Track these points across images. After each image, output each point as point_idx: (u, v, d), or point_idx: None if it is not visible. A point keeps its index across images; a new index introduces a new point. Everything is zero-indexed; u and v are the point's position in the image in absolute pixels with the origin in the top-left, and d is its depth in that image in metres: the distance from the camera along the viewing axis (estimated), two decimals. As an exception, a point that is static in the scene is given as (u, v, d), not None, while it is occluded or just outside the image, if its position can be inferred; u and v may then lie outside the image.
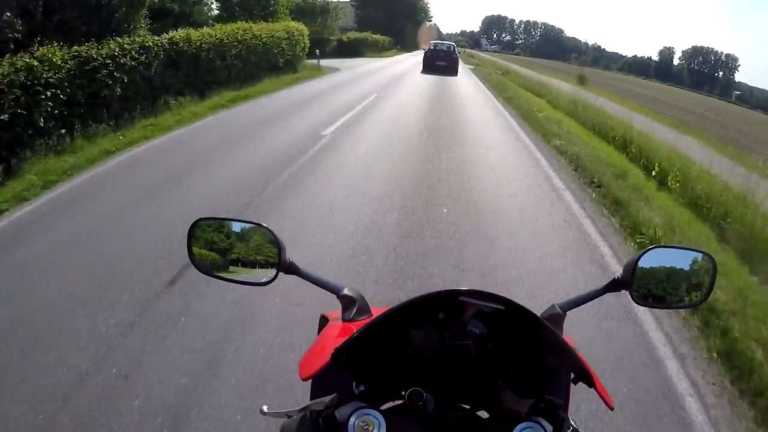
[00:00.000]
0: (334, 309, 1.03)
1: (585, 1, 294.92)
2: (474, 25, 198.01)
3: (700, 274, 0.99)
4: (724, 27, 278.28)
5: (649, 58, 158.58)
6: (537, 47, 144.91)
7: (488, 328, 0.80)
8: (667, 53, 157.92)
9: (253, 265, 1.00)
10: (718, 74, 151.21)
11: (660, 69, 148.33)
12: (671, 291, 0.98)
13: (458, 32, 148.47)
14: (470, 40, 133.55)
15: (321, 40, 24.67)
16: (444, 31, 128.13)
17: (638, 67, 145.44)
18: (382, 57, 31.93)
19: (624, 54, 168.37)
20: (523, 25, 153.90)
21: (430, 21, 65.24)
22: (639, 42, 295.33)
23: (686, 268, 0.98)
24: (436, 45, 23.94)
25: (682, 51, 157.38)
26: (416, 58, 29.62)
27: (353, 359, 0.76)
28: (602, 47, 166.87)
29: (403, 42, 48.54)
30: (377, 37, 36.24)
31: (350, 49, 29.03)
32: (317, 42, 23.10)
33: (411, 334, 0.81)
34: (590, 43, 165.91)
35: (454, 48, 23.81)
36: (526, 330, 0.78)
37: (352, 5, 47.15)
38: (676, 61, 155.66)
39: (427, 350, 0.81)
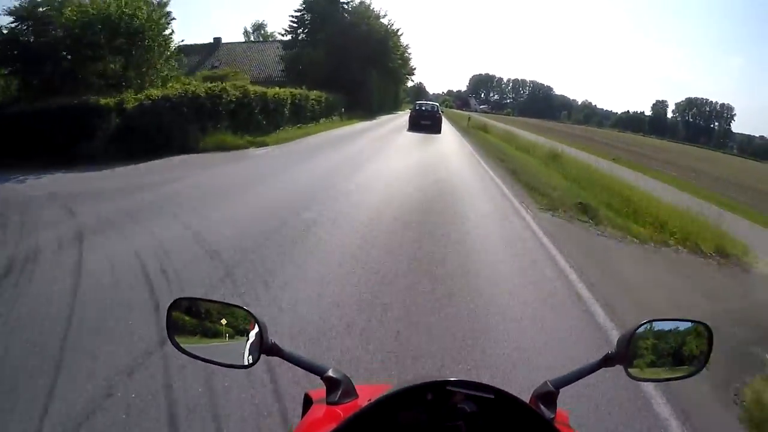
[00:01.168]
0: (318, 387, 0.99)
1: (573, 58, 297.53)
2: (461, 85, 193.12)
3: (694, 343, 0.96)
4: (706, 75, 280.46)
5: (642, 113, 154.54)
6: (526, 106, 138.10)
7: (479, 407, 0.79)
8: (660, 107, 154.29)
9: (234, 346, 0.96)
10: (714, 125, 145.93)
11: (654, 123, 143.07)
12: (667, 362, 0.95)
13: (445, 92, 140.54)
14: (458, 100, 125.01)
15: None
16: (430, 90, 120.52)
17: (632, 122, 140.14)
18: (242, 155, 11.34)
19: (613, 110, 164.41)
20: (511, 84, 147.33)
21: (413, 74, 46.29)
22: (630, 97, 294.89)
23: (681, 338, 0.95)
24: (421, 105, 23.90)
25: (675, 104, 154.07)
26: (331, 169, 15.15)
27: None
28: (593, 104, 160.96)
29: (363, 101, 29.03)
30: (281, 92, 15.83)
31: (153, 133, 10.00)
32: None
33: (399, 416, 0.80)
34: (580, 100, 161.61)
35: (437, 108, 24.01)
36: (516, 413, 0.78)
37: (279, 41, 31.58)
38: (669, 115, 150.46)
39: (417, 431, 0.80)
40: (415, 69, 43.83)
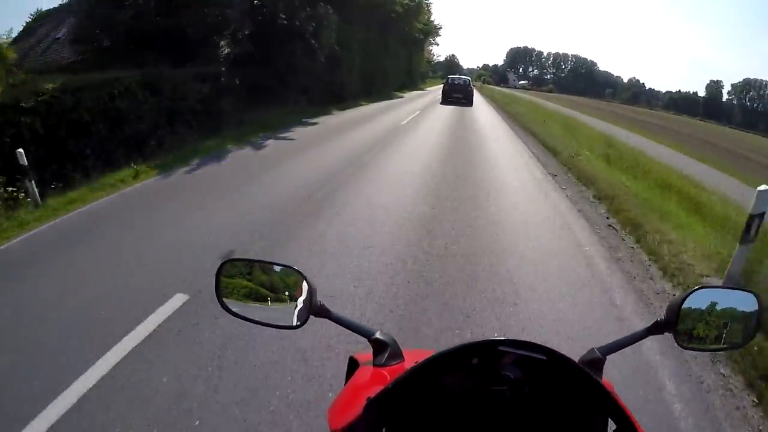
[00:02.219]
0: (363, 351, 0.97)
1: (617, 32, 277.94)
2: (497, 59, 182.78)
3: (745, 312, 0.93)
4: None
5: (695, 94, 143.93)
6: (567, 82, 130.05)
7: (524, 372, 0.77)
8: (714, 87, 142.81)
9: (283, 306, 0.95)
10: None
11: (708, 105, 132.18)
12: (716, 332, 0.92)
13: (480, 66, 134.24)
14: (495, 74, 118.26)
15: None
16: (464, 64, 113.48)
17: (685, 103, 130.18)
18: None
19: (660, 90, 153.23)
20: (551, 58, 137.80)
21: (436, 34, 34.06)
22: (680, 76, 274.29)
23: (731, 307, 0.93)
24: (453, 80, 24.20)
25: (732, 84, 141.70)
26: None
27: (386, 408, 0.73)
28: (641, 82, 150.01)
29: (294, 84, 14.62)
30: None
31: None
32: None
33: (444, 380, 0.79)
34: (625, 77, 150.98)
35: (469, 82, 24.89)
36: (564, 376, 0.75)
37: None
38: (725, 96, 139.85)
39: (461, 396, 0.78)
40: (440, 28, 35.30)
